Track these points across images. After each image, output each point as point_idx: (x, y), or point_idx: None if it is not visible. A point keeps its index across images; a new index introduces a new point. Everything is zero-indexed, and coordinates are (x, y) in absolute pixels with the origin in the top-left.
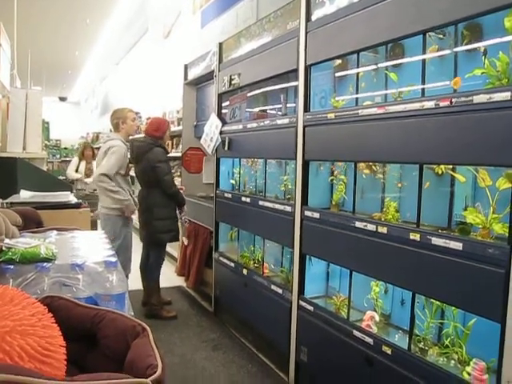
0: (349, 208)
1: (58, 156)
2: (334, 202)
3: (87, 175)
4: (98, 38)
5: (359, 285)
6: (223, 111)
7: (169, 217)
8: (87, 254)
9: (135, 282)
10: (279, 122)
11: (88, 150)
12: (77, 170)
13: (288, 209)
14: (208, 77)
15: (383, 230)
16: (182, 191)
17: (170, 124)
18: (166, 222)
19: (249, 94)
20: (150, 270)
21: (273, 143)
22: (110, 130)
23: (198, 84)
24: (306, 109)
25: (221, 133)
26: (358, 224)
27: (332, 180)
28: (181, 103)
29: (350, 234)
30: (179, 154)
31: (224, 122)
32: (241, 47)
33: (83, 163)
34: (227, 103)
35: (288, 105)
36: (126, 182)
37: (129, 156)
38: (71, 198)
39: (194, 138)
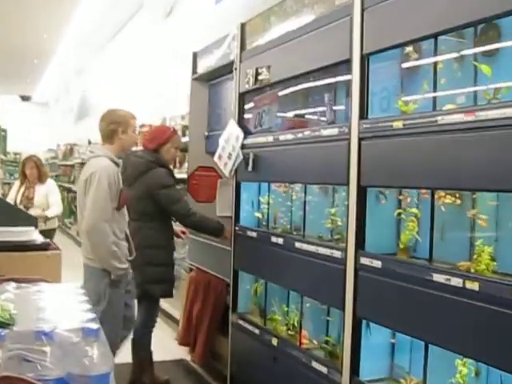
0: (423, 253)
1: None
2: (401, 245)
3: (26, 207)
4: (73, 16)
5: (438, 363)
6: (246, 117)
7: (163, 262)
8: (58, 317)
9: (122, 351)
10: (325, 132)
11: (30, 167)
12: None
13: (337, 254)
14: (225, 70)
15: (473, 285)
16: (184, 235)
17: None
18: (158, 269)
19: (281, 94)
20: (137, 335)
21: (315, 162)
22: (90, 142)
23: (210, 80)
24: (363, 114)
25: (242, 147)
26: (437, 277)
27: (399, 214)
28: (187, 106)
29: (426, 291)
30: (184, 176)
31: (247, 133)
32: (271, 30)
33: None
34: (251, 106)
35: (336, 107)
36: (119, 219)
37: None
38: (36, 236)
39: (204, 154)
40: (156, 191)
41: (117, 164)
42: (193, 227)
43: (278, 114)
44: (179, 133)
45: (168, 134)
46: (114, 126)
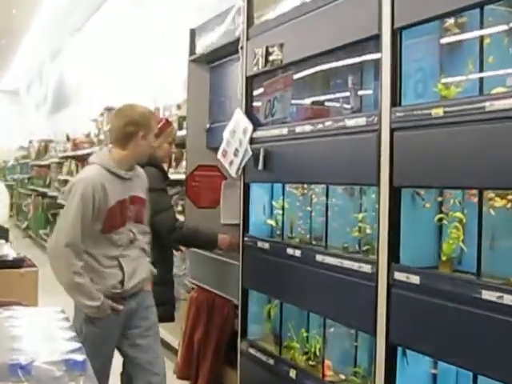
0: (470, 267)
1: None
2: (444, 257)
3: None
4: None
5: None
6: (255, 105)
7: (161, 280)
8: (36, 347)
9: None
10: (349, 122)
11: None
12: None
13: (366, 268)
14: (229, 49)
15: None
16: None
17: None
18: (155, 289)
19: (296, 77)
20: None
21: (339, 158)
22: (68, 138)
23: (212, 61)
24: (395, 101)
25: (251, 141)
26: (487, 294)
27: (441, 220)
28: (184, 93)
29: (473, 312)
30: (182, 177)
31: (257, 124)
32: (283, 0)
33: None
34: (261, 92)
35: (362, 93)
36: (106, 243)
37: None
38: (7, 250)
39: (205, 150)
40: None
41: (118, 176)
42: (179, 243)
43: (293, 102)
44: (174, 125)
45: (160, 126)
46: (133, 127)
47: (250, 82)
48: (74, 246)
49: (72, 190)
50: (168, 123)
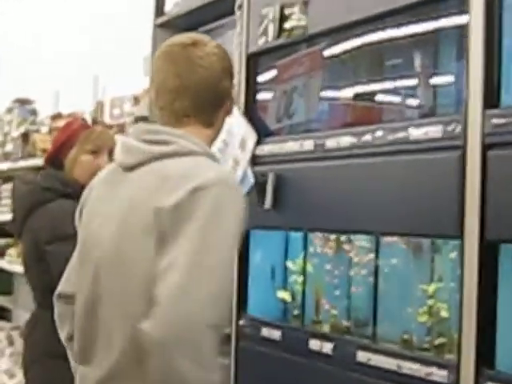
0: None
1: None
2: None
3: None
4: None
5: None
6: (260, 99)
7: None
8: None
9: None
10: (415, 132)
11: None
12: None
13: (440, 375)
14: (218, 9)
15: None
16: None
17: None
18: None
19: (327, 55)
20: None
21: (397, 192)
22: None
23: (190, 28)
24: (491, 99)
25: (254, 161)
26: None
27: None
28: (144, 79)
29: None
30: None
31: (263, 133)
32: None
33: None
34: (272, 79)
35: (435, 82)
36: None
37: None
38: None
39: None
40: (43, 247)
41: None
42: None
43: (323, 95)
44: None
45: (70, 131)
46: (227, 83)
47: (254, 62)
48: (216, 329)
49: (207, 199)
50: (84, 125)
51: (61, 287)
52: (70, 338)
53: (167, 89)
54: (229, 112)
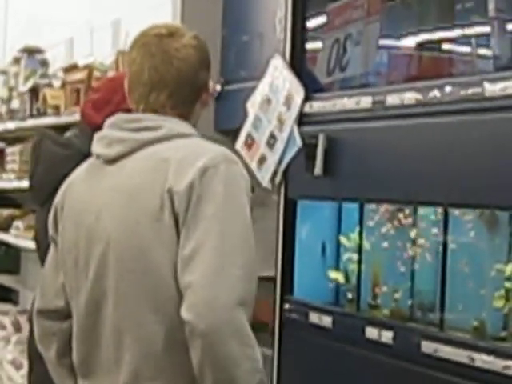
0: None
1: None
2: None
3: None
4: None
5: None
6: (309, 48)
7: None
8: None
9: None
10: (491, 87)
11: None
12: None
13: None
14: None
15: None
16: None
17: None
18: None
19: None
20: None
21: (470, 156)
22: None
23: None
24: None
25: (302, 121)
26: None
27: None
28: (172, 20)
29: None
30: None
31: (313, 88)
32: None
33: None
34: (322, 24)
35: (510, 27)
36: None
37: None
38: None
39: (213, 133)
40: None
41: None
42: None
43: (383, 43)
44: None
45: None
46: (205, 74)
47: (301, 6)
48: (248, 305)
49: (218, 177)
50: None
51: (40, 304)
52: (61, 354)
53: (142, 82)
54: (205, 104)
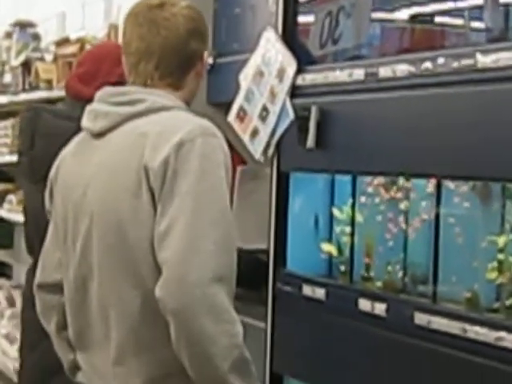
0: None
1: None
2: None
3: None
4: None
5: None
6: (301, 21)
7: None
8: None
9: None
10: (483, 59)
11: None
12: None
13: (511, 341)
14: None
15: None
16: None
17: None
18: None
19: None
20: None
21: (463, 128)
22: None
23: None
24: None
25: (294, 94)
26: None
27: None
28: None
29: None
30: None
31: (305, 60)
32: None
33: None
34: None
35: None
36: None
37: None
38: None
39: (205, 108)
40: None
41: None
42: None
43: (376, 16)
44: None
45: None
46: (196, 44)
47: None
48: (226, 280)
49: (194, 152)
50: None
51: (40, 277)
52: (61, 328)
53: (131, 51)
54: (200, 75)
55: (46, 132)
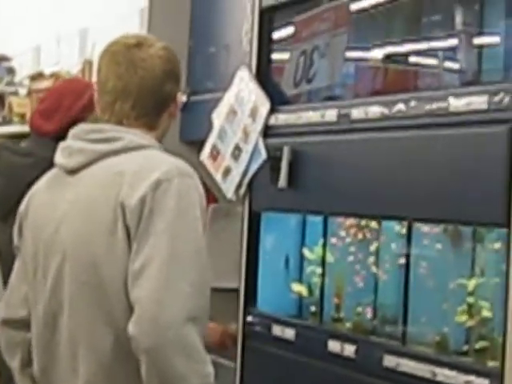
0: None
1: None
2: None
3: None
4: None
5: None
6: (275, 59)
7: None
8: None
9: None
10: (455, 103)
11: None
12: None
13: None
14: None
15: None
16: None
17: None
18: None
19: (354, 7)
20: None
21: (433, 172)
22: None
23: None
24: None
25: (267, 134)
26: None
27: None
28: (139, 31)
29: None
30: None
31: (278, 100)
32: None
33: None
34: (289, 36)
35: (481, 41)
36: None
37: None
38: None
39: (178, 146)
40: None
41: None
42: None
43: (350, 55)
44: None
45: (87, 94)
46: (171, 86)
47: (268, 17)
48: (198, 321)
49: (171, 192)
50: (90, 89)
51: (5, 313)
52: (25, 364)
53: (107, 90)
54: (173, 115)
55: (5, 170)
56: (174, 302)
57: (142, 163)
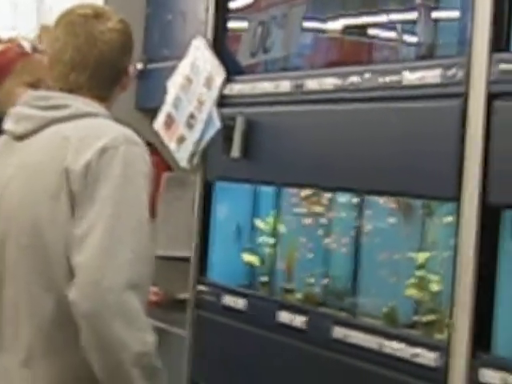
0: None
1: None
2: None
3: None
4: None
5: None
6: (231, 28)
7: None
8: None
9: None
10: (410, 76)
11: None
12: None
13: (427, 358)
14: None
15: None
16: None
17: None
18: None
19: None
20: None
21: (387, 144)
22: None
23: None
24: (499, 41)
25: (222, 103)
26: None
27: None
28: None
29: None
30: None
31: (234, 70)
32: None
33: None
34: (245, 5)
35: (438, 15)
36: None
37: None
38: None
39: (133, 113)
40: None
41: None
42: None
43: (307, 26)
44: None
45: (4, 59)
46: (127, 59)
47: None
48: (140, 288)
49: (117, 159)
50: (26, 52)
51: None
52: None
53: (63, 60)
54: (124, 88)
55: None
56: (115, 267)
57: (89, 130)
